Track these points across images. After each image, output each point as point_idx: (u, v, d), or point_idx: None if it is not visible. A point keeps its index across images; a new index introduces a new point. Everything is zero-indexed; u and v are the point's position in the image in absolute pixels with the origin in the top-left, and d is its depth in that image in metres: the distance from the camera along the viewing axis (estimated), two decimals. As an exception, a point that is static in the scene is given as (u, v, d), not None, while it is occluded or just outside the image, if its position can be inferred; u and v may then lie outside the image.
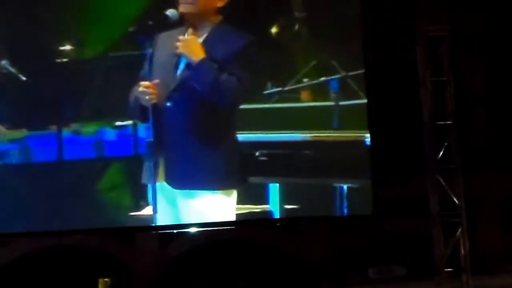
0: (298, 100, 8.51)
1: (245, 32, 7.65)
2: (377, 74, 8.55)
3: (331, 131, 8.45)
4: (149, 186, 7.72)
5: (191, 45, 7.47)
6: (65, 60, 8.46)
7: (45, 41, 8.49)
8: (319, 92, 8.50)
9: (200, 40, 7.59)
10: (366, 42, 8.48)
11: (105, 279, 8.17)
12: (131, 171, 8.33)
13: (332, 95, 8.47)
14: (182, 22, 7.65)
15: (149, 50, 7.51)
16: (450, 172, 8.82)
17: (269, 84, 8.40)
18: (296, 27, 8.52)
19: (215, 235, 9.34)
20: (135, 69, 7.83)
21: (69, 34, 8.49)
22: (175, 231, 8.57)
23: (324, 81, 8.49)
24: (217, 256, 10.03)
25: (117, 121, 8.33)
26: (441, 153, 8.81)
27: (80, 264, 9.81)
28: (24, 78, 8.47)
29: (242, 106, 7.97)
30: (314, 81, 8.48)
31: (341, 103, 8.47)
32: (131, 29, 7.72)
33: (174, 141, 7.71)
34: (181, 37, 7.50)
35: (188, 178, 7.79)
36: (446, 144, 8.83)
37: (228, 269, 9.99)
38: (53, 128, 8.45)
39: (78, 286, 9.41)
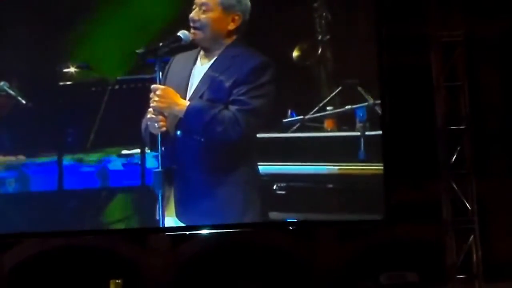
0: (321, 129, 8.08)
1: (257, 53, 7.33)
2: (391, 78, 8.34)
3: (357, 164, 8.03)
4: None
5: (167, 97, 7.14)
6: (68, 82, 8.16)
7: (47, 61, 8.20)
8: (344, 121, 8.07)
9: (209, 63, 7.28)
10: (380, 46, 8.21)
11: (116, 280, 8.04)
12: (137, 202, 8.06)
13: (358, 124, 8.04)
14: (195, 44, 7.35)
15: (160, 74, 7.14)
16: (463, 178, 8.76)
17: (289, 112, 8.00)
18: (320, 50, 8.15)
19: (226, 238, 9.23)
20: (144, 93, 7.45)
21: (74, 54, 8.19)
22: (187, 233, 8.40)
23: (349, 109, 8.08)
24: (229, 258, 9.99)
25: (124, 149, 8.02)
26: (454, 158, 8.75)
27: (91, 265, 9.79)
28: (23, 101, 8.18)
29: (258, 135, 7.68)
30: (339, 109, 8.08)
31: (368, 133, 8.05)
32: (140, 50, 7.25)
33: (185, 173, 7.35)
34: (153, 87, 7.12)
35: (199, 214, 7.47)
36: (459, 149, 8.77)
37: (239, 272, 9.93)
38: (54, 155, 8.14)
39: (89, 287, 9.30)
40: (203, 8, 7.18)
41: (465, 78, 8.92)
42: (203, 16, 7.19)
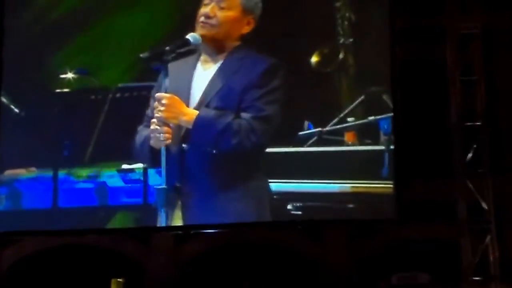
0: (341, 143, 7.70)
1: (265, 55, 7.03)
2: (404, 71, 8.22)
3: (380, 181, 7.66)
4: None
5: (173, 107, 6.79)
6: (65, 90, 7.90)
7: (42, 67, 7.95)
8: (366, 133, 7.71)
9: (214, 68, 7.00)
10: (393, 38, 7.93)
11: (118, 279, 7.99)
12: (139, 222, 7.78)
13: (383, 137, 7.69)
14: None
15: (166, 80, 6.72)
16: (479, 176, 8.75)
17: (306, 124, 7.64)
18: (341, 55, 7.79)
19: (231, 237, 9.29)
20: (148, 102, 7.17)
21: (71, 59, 7.93)
22: (191, 231, 8.51)
23: (373, 120, 7.72)
24: (234, 258, 9.82)
25: (125, 163, 7.66)
26: (470, 155, 8.74)
27: (93, 264, 9.67)
28: (16, 110, 7.97)
29: (271, 150, 7.31)
30: (361, 121, 7.72)
31: (393, 147, 7.71)
32: (144, 55, 6.85)
33: (192, 189, 6.98)
34: (158, 96, 6.79)
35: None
36: (475, 146, 8.75)
37: (244, 272, 9.76)
38: (48, 170, 7.85)
39: (91, 286, 9.16)
40: (222, 5, 6.92)
41: (482, 73, 8.86)
42: (220, 14, 6.93)
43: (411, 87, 8.73)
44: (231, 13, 6.91)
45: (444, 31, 8.94)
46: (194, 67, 6.97)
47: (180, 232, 8.62)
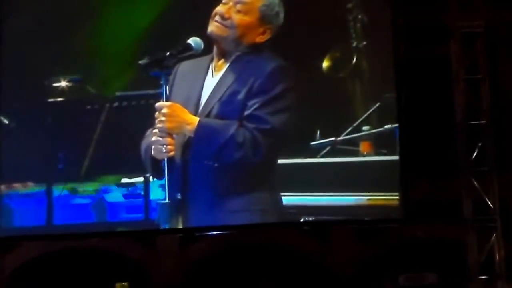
0: (356, 153, 7.54)
1: (273, 57, 6.74)
2: (408, 70, 8.16)
3: (397, 194, 7.53)
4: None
5: (175, 116, 6.54)
6: (59, 99, 7.70)
7: (34, 74, 7.72)
8: (382, 143, 7.56)
9: (223, 71, 6.73)
10: (396, 37, 7.79)
11: (123, 283, 8.04)
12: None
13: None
14: (206, 50, 6.75)
15: (167, 88, 6.53)
16: (484, 174, 8.78)
17: (318, 133, 7.43)
18: (354, 59, 7.58)
19: (237, 239, 9.23)
20: (148, 111, 6.81)
21: (65, 66, 7.72)
22: (197, 234, 8.54)
23: (389, 129, 7.57)
24: (239, 260, 9.79)
25: (124, 177, 7.48)
26: (475, 154, 8.74)
27: (97, 268, 9.57)
28: (6, 121, 7.75)
29: (281, 161, 7.02)
30: (377, 129, 7.56)
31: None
32: (143, 61, 6.61)
33: (194, 200, 6.73)
34: (158, 105, 6.56)
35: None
36: (480, 144, 8.77)
37: (250, 274, 9.74)
38: (42, 185, 7.64)
39: None
40: (239, 7, 6.67)
41: (486, 71, 8.85)
42: (236, 16, 6.67)
43: (415, 86, 8.65)
44: (247, 18, 6.64)
45: (447, 30, 8.88)
46: (206, 72, 6.71)
47: (181, 234, 8.52)
